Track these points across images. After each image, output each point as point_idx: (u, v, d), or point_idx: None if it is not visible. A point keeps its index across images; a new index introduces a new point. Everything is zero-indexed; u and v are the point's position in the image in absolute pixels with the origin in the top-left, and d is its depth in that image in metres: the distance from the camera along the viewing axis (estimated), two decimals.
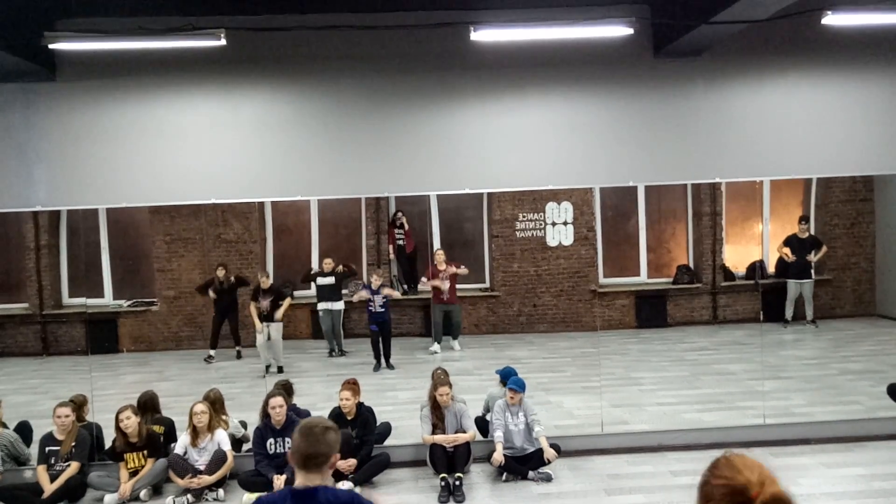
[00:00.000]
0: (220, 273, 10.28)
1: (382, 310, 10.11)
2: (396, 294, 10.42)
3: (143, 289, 11.15)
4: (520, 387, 6.96)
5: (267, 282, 9.97)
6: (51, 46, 6.62)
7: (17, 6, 6.41)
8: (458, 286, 11.04)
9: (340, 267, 10.59)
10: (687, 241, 11.68)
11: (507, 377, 7.30)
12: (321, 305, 10.56)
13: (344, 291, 10.63)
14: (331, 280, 10.46)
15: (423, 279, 10.85)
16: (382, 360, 10.14)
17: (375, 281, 10.16)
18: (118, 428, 6.79)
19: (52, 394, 8.30)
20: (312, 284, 10.80)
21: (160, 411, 7.46)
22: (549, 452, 6.74)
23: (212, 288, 10.28)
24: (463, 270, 10.63)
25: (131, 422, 6.75)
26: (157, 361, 10.50)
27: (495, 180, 7.74)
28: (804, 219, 10.89)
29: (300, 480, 2.68)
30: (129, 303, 10.87)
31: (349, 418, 6.96)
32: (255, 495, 6.45)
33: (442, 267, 10.64)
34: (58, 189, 7.33)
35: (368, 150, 7.42)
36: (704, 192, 11.40)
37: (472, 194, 10.66)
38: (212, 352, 10.28)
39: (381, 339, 10.16)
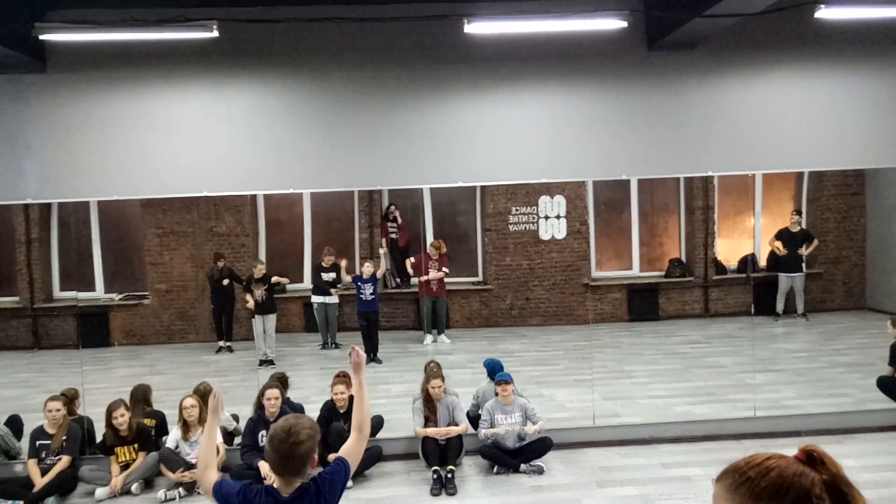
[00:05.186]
0: (220, 264, 10.29)
1: (372, 297, 10.13)
2: (381, 266, 10.49)
3: (134, 282, 11.10)
4: (510, 378, 6.95)
5: (261, 270, 9.97)
6: (41, 37, 6.56)
7: None
8: (450, 279, 11.05)
9: (344, 263, 10.60)
10: (679, 235, 11.72)
11: (493, 370, 7.29)
12: (317, 299, 10.55)
13: (339, 285, 10.64)
14: (332, 275, 10.46)
15: (411, 260, 10.88)
16: (371, 354, 10.16)
17: (367, 270, 10.17)
18: (110, 424, 6.76)
19: (43, 387, 8.26)
20: (307, 277, 10.80)
21: (151, 404, 7.44)
22: (531, 429, 6.76)
23: (209, 276, 10.29)
24: (441, 273, 10.71)
25: (124, 419, 6.75)
26: (148, 355, 10.47)
27: (488, 174, 7.73)
28: (798, 211, 10.94)
29: (281, 483, 2.65)
30: (121, 296, 10.83)
31: (342, 411, 6.96)
32: None
33: (435, 256, 10.67)
34: (48, 182, 7.28)
35: (361, 143, 7.39)
36: (697, 185, 11.43)
37: (465, 188, 10.65)
38: (221, 343, 10.30)
39: (368, 333, 10.18)
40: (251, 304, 9.81)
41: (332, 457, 6.36)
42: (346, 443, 3.02)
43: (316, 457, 2.70)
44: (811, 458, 1.45)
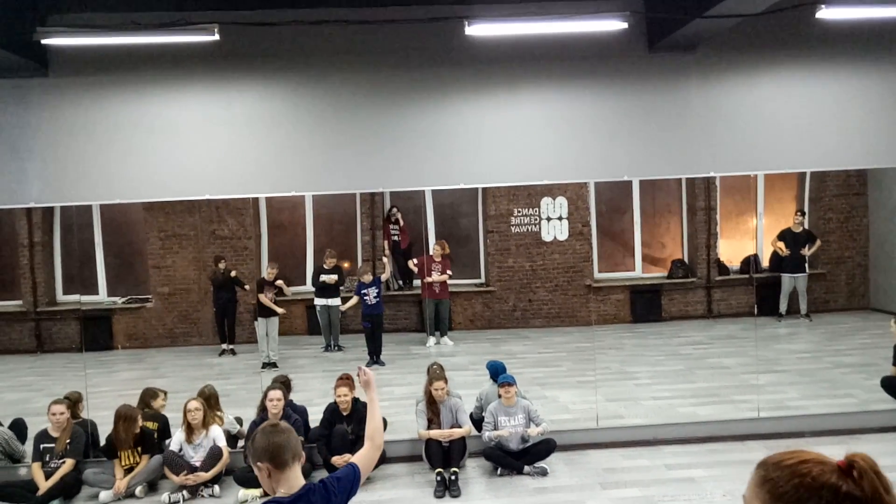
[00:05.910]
0: (221, 266, 10.33)
1: (376, 300, 10.14)
2: (386, 272, 10.55)
3: (137, 285, 11.13)
4: (513, 380, 6.95)
5: (272, 273, 10.02)
6: (43, 41, 6.58)
7: (9, 1, 6.37)
8: (453, 281, 11.06)
9: (346, 265, 10.64)
10: (681, 236, 11.71)
11: (496, 372, 7.28)
12: (320, 301, 10.56)
13: (341, 287, 10.66)
14: (334, 277, 10.47)
15: (413, 261, 10.90)
16: (373, 356, 10.17)
17: (367, 277, 10.20)
18: (126, 430, 6.74)
19: (47, 391, 8.27)
20: (309, 279, 10.82)
21: (151, 407, 7.44)
22: (534, 430, 6.77)
23: (212, 279, 10.32)
24: (444, 277, 10.72)
25: (138, 423, 6.77)
26: (151, 358, 10.48)
27: (490, 175, 7.73)
28: (801, 211, 10.93)
29: (285, 484, 2.56)
30: (124, 300, 10.85)
31: (345, 414, 6.96)
32: (250, 491, 6.45)
33: (438, 258, 10.68)
34: (51, 185, 7.29)
35: (363, 145, 7.40)
36: (699, 186, 11.43)
37: (467, 190, 10.68)
38: (224, 346, 10.32)
39: (371, 335, 10.19)
40: (279, 309, 9.96)
41: (336, 459, 6.44)
42: (360, 451, 3.02)
43: (303, 454, 2.69)
44: (850, 470, 1.36)
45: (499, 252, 11.71)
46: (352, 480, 2.77)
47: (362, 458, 2.95)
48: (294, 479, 2.59)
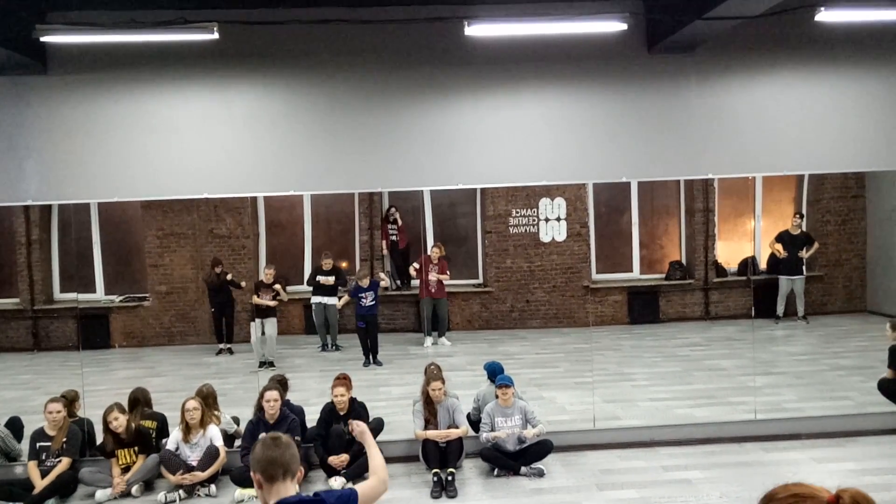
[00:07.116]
0: (218, 269, 10.33)
1: (372, 302, 10.15)
2: (385, 281, 10.56)
3: (135, 284, 11.13)
4: (510, 381, 6.95)
5: (270, 276, 10.01)
6: (42, 39, 6.57)
7: None
8: (451, 281, 11.07)
9: (345, 264, 10.66)
10: (679, 238, 11.73)
11: (494, 373, 7.28)
12: (316, 299, 10.56)
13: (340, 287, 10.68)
14: (331, 279, 10.48)
15: (415, 265, 10.92)
16: (371, 356, 10.17)
17: (364, 281, 10.21)
18: (108, 430, 6.73)
19: (44, 389, 8.26)
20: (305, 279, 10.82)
21: (151, 406, 7.44)
22: (530, 432, 6.77)
23: (207, 281, 10.31)
24: (444, 276, 10.73)
25: (119, 422, 6.72)
26: (149, 357, 10.48)
27: (489, 176, 7.73)
28: (799, 214, 10.95)
29: (275, 497, 2.56)
30: (121, 298, 10.84)
31: (342, 413, 6.96)
32: (247, 491, 6.44)
33: (435, 260, 10.69)
34: (49, 183, 7.28)
35: (362, 145, 7.39)
36: (697, 188, 11.46)
37: (465, 190, 10.69)
38: (221, 345, 10.32)
39: (367, 335, 10.19)
40: (273, 302, 10.03)
41: (332, 459, 6.42)
42: (366, 482, 2.95)
43: (302, 470, 2.68)
44: None
45: (497, 252, 11.72)
46: (347, 502, 2.73)
47: (365, 487, 2.88)
48: (284, 495, 2.58)
